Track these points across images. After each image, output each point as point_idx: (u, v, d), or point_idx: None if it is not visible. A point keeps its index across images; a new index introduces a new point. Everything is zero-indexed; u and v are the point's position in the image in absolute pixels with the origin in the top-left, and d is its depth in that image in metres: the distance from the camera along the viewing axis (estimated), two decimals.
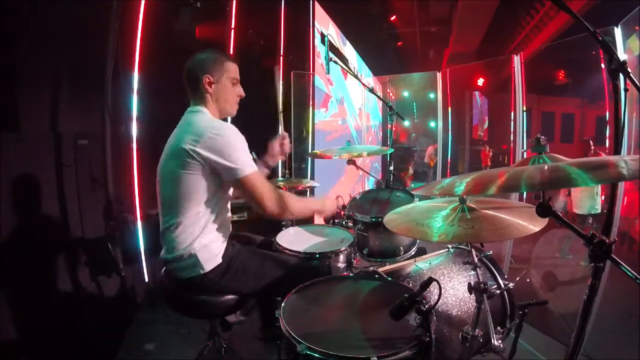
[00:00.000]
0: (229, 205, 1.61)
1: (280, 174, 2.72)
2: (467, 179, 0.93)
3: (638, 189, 3.10)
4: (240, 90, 1.60)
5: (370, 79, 6.36)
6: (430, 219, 1.25)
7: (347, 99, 4.96)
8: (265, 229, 2.03)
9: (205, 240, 1.46)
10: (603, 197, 4.15)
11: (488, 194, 0.86)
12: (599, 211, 4.13)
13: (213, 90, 1.52)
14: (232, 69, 1.56)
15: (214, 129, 1.40)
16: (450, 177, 1.02)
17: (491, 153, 6.11)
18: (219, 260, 1.49)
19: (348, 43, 4.89)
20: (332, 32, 4.09)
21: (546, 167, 0.86)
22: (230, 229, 1.64)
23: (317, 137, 3.62)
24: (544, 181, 0.79)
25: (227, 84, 1.55)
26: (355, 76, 2.86)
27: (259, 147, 1.86)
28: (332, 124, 4.35)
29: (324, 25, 3.81)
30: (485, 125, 8.08)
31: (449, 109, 5.49)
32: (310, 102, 3.51)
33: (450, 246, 1.82)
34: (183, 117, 1.53)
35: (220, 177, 1.43)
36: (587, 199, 4.18)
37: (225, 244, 1.55)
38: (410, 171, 7.07)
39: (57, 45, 1.98)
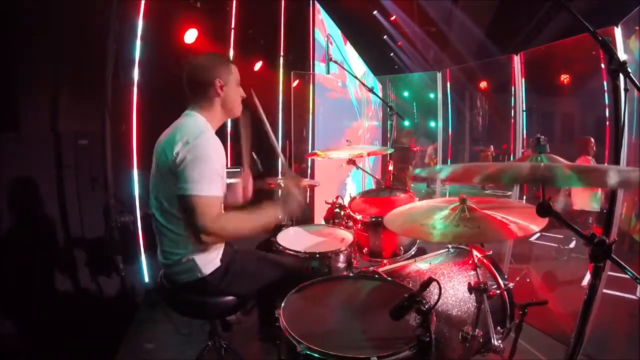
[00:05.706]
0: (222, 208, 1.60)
1: (280, 174, 2.71)
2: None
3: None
4: (241, 91, 1.57)
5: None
6: (431, 219, 1.25)
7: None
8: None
9: (202, 244, 1.43)
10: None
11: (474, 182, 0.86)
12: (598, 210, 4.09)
13: (224, 94, 1.49)
14: (236, 71, 1.55)
15: (199, 137, 1.35)
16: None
17: (493, 154, 6.09)
18: (217, 263, 1.48)
19: (348, 43, 4.87)
20: (332, 32, 4.08)
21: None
22: None
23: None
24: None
25: (234, 87, 1.53)
26: (355, 76, 2.87)
27: (257, 147, 1.85)
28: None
29: (324, 25, 3.81)
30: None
31: (449, 108, 5.48)
32: (311, 103, 3.51)
33: (450, 246, 1.82)
34: (178, 119, 1.49)
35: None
36: (588, 197, 4.13)
37: (223, 247, 1.53)
38: (411, 170, 7.11)
39: (57, 45, 1.98)
